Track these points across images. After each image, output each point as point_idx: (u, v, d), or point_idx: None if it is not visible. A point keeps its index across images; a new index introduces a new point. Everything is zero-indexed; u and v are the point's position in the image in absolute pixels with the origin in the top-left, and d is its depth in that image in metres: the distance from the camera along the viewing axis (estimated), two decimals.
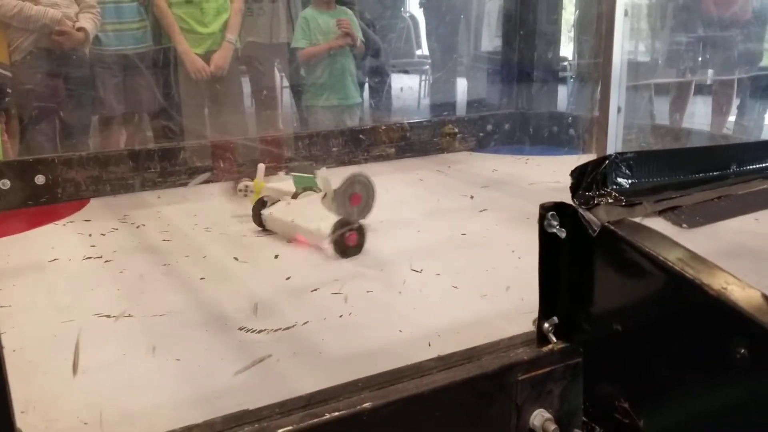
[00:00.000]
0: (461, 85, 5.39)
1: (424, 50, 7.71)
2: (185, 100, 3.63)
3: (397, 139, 2.63)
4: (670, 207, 0.78)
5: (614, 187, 0.78)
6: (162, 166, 2.14)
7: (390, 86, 4.90)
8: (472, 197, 2.03)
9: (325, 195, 1.60)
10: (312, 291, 1.37)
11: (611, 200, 0.77)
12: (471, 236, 1.69)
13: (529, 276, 1.40)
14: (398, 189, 2.18)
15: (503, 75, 3.15)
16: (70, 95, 3.29)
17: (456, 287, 1.37)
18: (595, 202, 0.77)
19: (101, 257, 1.55)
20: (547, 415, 0.79)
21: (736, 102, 5.23)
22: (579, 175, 0.78)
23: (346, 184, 1.53)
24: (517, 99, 2.89)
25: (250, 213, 1.72)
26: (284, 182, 1.80)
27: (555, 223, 0.77)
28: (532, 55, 2.90)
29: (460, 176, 2.36)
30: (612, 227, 0.73)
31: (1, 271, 1.48)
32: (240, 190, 1.80)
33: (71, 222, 1.83)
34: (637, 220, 0.75)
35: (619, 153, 0.77)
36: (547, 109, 2.86)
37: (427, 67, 7.07)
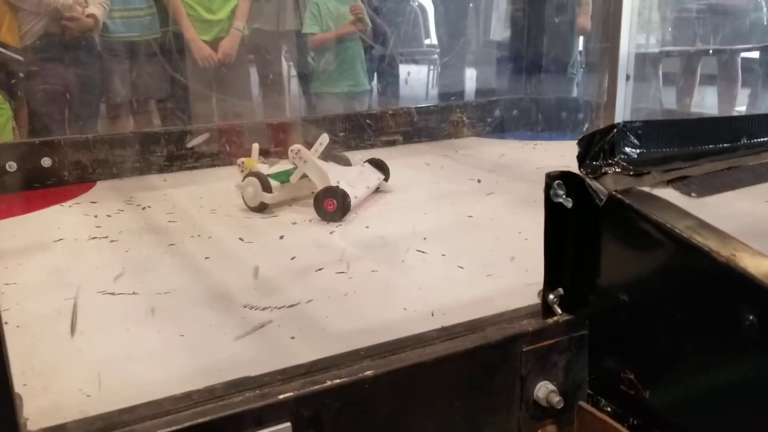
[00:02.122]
0: (470, 73, 5.38)
1: (432, 40, 7.68)
2: (193, 87, 3.63)
3: (405, 124, 2.62)
4: (678, 177, 0.77)
5: (622, 156, 0.77)
6: (168, 150, 2.14)
7: (398, 74, 4.88)
8: (479, 181, 2.02)
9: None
10: (317, 270, 1.36)
11: (619, 170, 0.76)
12: (477, 218, 1.68)
13: (536, 256, 1.40)
14: (405, 173, 2.17)
15: (513, 62, 3.13)
16: (79, 81, 3.30)
17: (461, 267, 1.36)
18: (603, 171, 0.76)
19: (107, 237, 1.55)
20: (551, 387, 0.79)
21: (746, 90, 5.19)
22: (586, 144, 0.77)
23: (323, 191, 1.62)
24: (526, 85, 2.86)
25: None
26: (279, 166, 1.83)
27: (561, 192, 0.75)
28: (542, 42, 2.88)
29: (468, 161, 2.34)
30: (619, 196, 0.72)
31: (6, 251, 1.48)
32: (238, 165, 1.86)
33: (77, 203, 1.83)
34: (646, 189, 0.74)
35: (627, 121, 0.76)
36: (555, 95, 2.83)
37: (436, 56, 7.05)
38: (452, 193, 1.91)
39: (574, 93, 3.46)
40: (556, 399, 0.77)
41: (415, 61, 6.93)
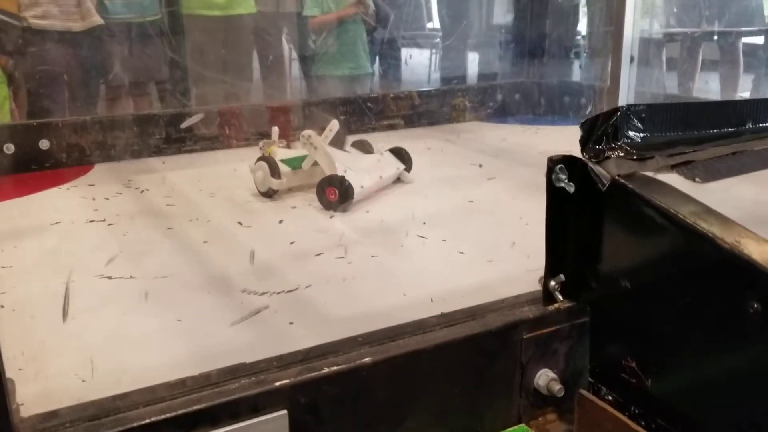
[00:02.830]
0: (472, 57, 5.33)
1: (435, 23, 7.62)
2: (192, 69, 3.60)
3: (406, 108, 2.60)
4: (682, 162, 0.75)
5: (625, 140, 0.76)
6: (167, 132, 2.12)
7: (400, 57, 4.84)
8: (480, 166, 2.00)
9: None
10: (316, 255, 1.35)
11: (622, 154, 0.74)
12: (478, 203, 1.66)
13: (536, 242, 1.39)
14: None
15: (516, 46, 3.10)
16: (77, 62, 3.27)
17: (462, 252, 1.35)
18: (606, 155, 0.74)
19: (104, 220, 1.54)
20: (552, 375, 0.78)
21: (749, 77, 5.14)
22: (589, 128, 0.75)
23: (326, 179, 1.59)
24: (529, 69, 2.84)
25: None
26: (294, 151, 1.80)
27: (563, 176, 0.74)
28: (545, 25, 2.85)
29: (469, 145, 2.33)
30: (622, 181, 0.71)
31: (3, 233, 1.46)
32: (260, 148, 1.84)
33: (75, 186, 1.82)
34: (649, 174, 0.72)
35: (630, 105, 0.74)
36: (558, 79, 2.81)
37: (438, 39, 6.99)
38: (453, 178, 1.90)
39: (576, 77, 3.43)
40: (556, 387, 0.76)
41: (418, 45, 6.88)
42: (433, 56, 6.95)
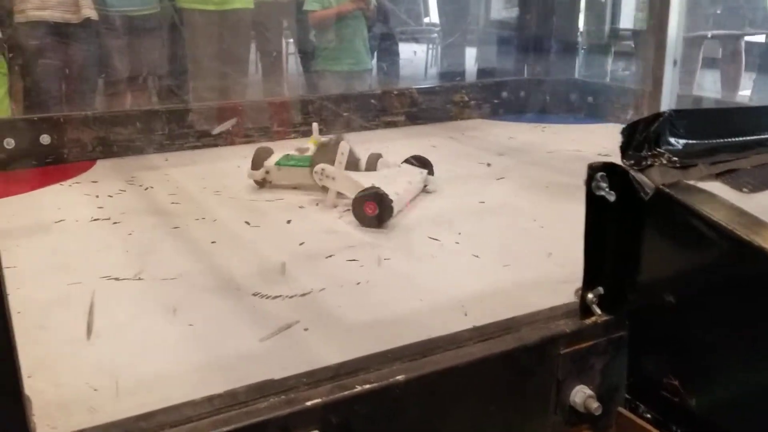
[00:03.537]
0: (471, 53, 5.30)
1: (432, 18, 7.59)
2: (191, 63, 3.56)
3: (409, 105, 2.56)
4: (727, 170, 0.72)
5: (667, 147, 0.72)
6: (170, 128, 2.08)
7: (398, 53, 4.80)
8: (488, 165, 1.97)
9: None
10: (327, 257, 1.31)
11: (665, 161, 0.71)
12: (489, 204, 1.63)
13: (552, 246, 1.36)
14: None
15: (518, 42, 3.07)
16: (76, 56, 3.22)
17: (477, 256, 1.32)
18: (648, 163, 0.71)
19: (109, 219, 1.50)
20: (589, 391, 0.74)
21: (750, 75, 5.12)
22: (629, 134, 0.72)
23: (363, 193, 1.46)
24: (534, 66, 2.80)
25: None
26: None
27: (604, 185, 0.71)
28: (550, 22, 2.82)
29: (475, 143, 2.29)
30: (668, 190, 0.68)
31: (6, 232, 1.42)
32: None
33: (77, 183, 1.77)
34: (694, 182, 0.69)
35: (673, 110, 0.71)
36: (564, 77, 2.78)
37: (435, 35, 6.97)
38: (462, 177, 1.86)
39: (576, 74, 3.40)
40: (594, 405, 0.73)
41: (415, 40, 6.85)
42: (431, 51, 6.93)
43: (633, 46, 6.06)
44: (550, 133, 2.42)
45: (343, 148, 1.57)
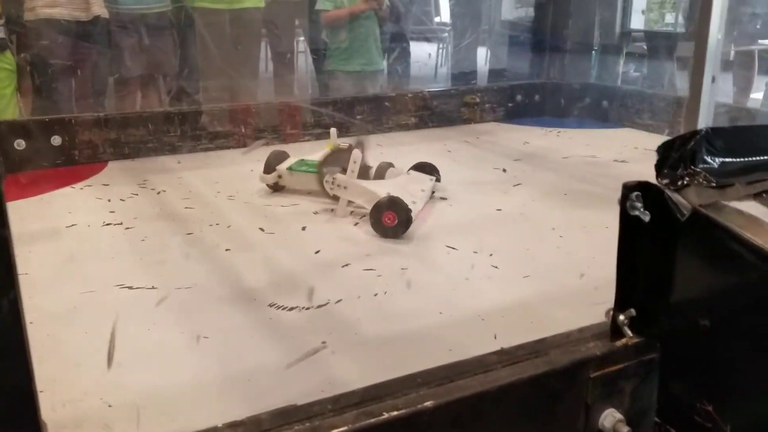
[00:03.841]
0: (482, 53, 5.27)
1: (442, 18, 7.56)
2: (203, 62, 3.54)
3: (422, 107, 2.54)
4: (765, 190, 0.70)
5: (703, 166, 0.70)
6: (182, 130, 2.06)
7: (410, 53, 4.78)
8: (504, 170, 1.95)
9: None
10: (343, 266, 1.29)
11: (701, 180, 0.69)
12: (507, 212, 1.61)
13: (573, 257, 1.34)
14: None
15: (533, 44, 3.04)
16: (86, 55, 3.21)
17: (496, 267, 1.30)
18: (684, 182, 0.69)
19: (121, 224, 1.48)
20: (618, 415, 0.72)
21: (763, 78, 5.08)
22: (665, 152, 0.69)
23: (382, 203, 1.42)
24: (549, 69, 2.77)
25: None
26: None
27: (639, 205, 0.68)
28: (566, 24, 2.79)
29: (490, 148, 2.27)
30: (706, 212, 0.65)
31: (17, 237, 1.39)
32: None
33: (89, 186, 1.76)
34: (732, 204, 0.67)
35: (711, 128, 0.69)
36: (578, 80, 2.75)
37: (446, 35, 6.94)
38: (478, 183, 1.84)
39: (592, 78, 3.37)
40: (624, 430, 0.71)
41: (426, 40, 6.82)
42: (441, 51, 6.90)
43: (645, 47, 6.02)
44: (565, 137, 2.39)
45: (356, 156, 1.54)
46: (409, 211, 1.41)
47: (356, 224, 1.50)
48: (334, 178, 1.53)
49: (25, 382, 0.47)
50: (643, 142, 2.25)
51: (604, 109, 2.57)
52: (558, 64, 2.77)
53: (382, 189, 1.48)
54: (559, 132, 2.45)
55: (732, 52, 5.14)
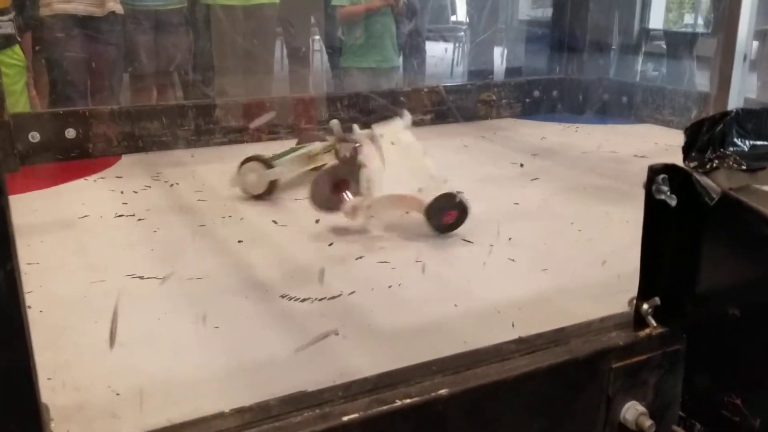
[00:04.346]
0: (497, 52, 5.25)
1: (458, 16, 7.53)
2: (217, 58, 3.54)
3: (439, 103, 2.51)
4: None
5: (733, 148, 0.67)
6: (196, 124, 2.05)
7: (425, 51, 4.76)
8: (522, 165, 1.92)
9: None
10: (357, 259, 1.27)
11: (731, 163, 0.66)
12: (524, 206, 1.58)
13: (592, 251, 1.31)
14: (443, 155, 2.07)
15: (550, 41, 3.00)
16: (101, 51, 3.21)
17: (512, 260, 1.27)
18: (713, 165, 0.66)
19: (134, 215, 1.47)
20: (641, 408, 0.69)
21: None
22: (693, 134, 0.67)
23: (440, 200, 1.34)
24: (566, 65, 2.74)
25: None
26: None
27: (665, 188, 0.65)
28: (584, 21, 2.75)
29: (507, 143, 2.24)
30: (736, 195, 0.62)
31: (30, 227, 1.40)
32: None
33: (102, 178, 1.75)
34: (764, 187, 0.64)
35: (743, 109, 0.66)
36: (596, 76, 2.71)
37: (462, 33, 6.91)
38: (495, 178, 1.81)
39: (611, 73, 3.32)
40: (647, 423, 0.68)
41: (443, 38, 6.80)
42: (457, 49, 6.87)
43: (664, 46, 5.96)
44: (583, 133, 2.35)
45: (367, 175, 1.37)
46: (460, 199, 1.35)
47: (371, 216, 1.47)
48: (354, 207, 1.35)
49: (23, 363, 0.45)
50: (664, 137, 2.22)
51: (624, 105, 2.54)
52: (576, 62, 2.73)
53: (405, 187, 1.38)
54: (577, 128, 2.42)
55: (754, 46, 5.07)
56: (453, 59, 6.79)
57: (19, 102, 2.92)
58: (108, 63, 3.20)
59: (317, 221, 1.46)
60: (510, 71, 4.73)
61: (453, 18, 7.64)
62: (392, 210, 1.43)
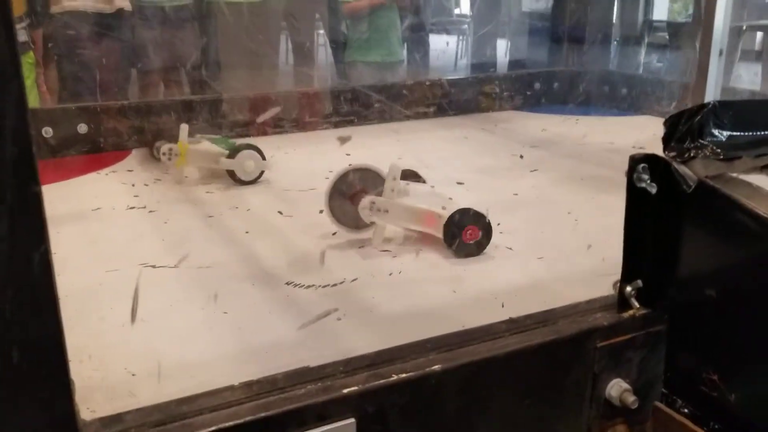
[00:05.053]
0: (501, 44, 5.26)
1: (462, 9, 7.54)
2: (223, 54, 3.58)
3: (440, 96, 2.55)
4: None
5: (710, 139, 0.71)
6: (204, 118, 2.09)
7: (429, 44, 4.78)
8: (521, 156, 1.96)
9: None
10: (359, 248, 1.32)
11: (708, 153, 0.70)
12: (523, 196, 1.62)
13: (587, 239, 1.35)
14: (443, 147, 2.11)
15: (551, 33, 3.04)
16: (109, 47, 3.26)
17: (510, 248, 1.31)
18: (691, 154, 0.70)
19: (145, 207, 1.52)
20: (625, 385, 0.74)
21: None
22: (672, 125, 0.71)
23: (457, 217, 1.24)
24: (567, 58, 2.77)
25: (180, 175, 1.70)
26: (205, 145, 1.75)
27: (646, 177, 0.70)
28: (585, 13, 2.78)
29: (508, 135, 2.28)
30: (712, 183, 0.66)
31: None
32: (164, 154, 1.69)
33: (114, 172, 1.80)
34: (738, 175, 0.68)
35: (719, 101, 0.70)
36: (597, 68, 2.74)
37: (465, 26, 6.92)
38: (494, 169, 1.85)
39: (610, 66, 3.35)
40: (630, 399, 0.72)
41: (446, 31, 6.81)
42: (461, 42, 6.89)
43: (667, 37, 5.96)
44: (583, 125, 2.39)
45: (395, 171, 1.28)
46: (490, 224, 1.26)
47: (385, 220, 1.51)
48: (372, 203, 1.27)
49: (55, 336, 0.50)
50: (662, 129, 2.25)
51: (624, 97, 2.57)
52: (577, 54, 2.77)
53: (429, 201, 1.31)
54: (577, 119, 2.45)
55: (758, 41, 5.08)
56: (456, 52, 6.80)
57: (29, 97, 2.97)
58: (116, 59, 3.25)
59: (321, 211, 1.50)
60: (514, 64, 4.75)
61: (457, 11, 7.64)
62: (407, 223, 1.32)
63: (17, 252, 0.45)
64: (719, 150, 0.71)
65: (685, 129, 0.71)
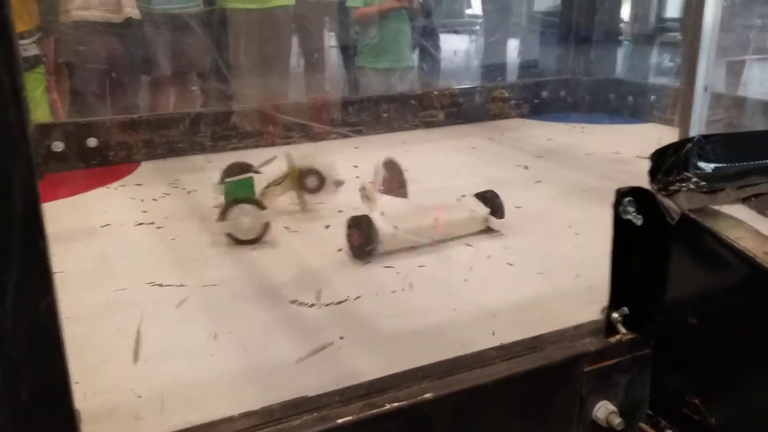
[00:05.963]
0: (513, 47, 5.26)
1: (473, 10, 7.53)
2: (234, 62, 3.61)
3: (448, 105, 2.57)
4: (754, 194, 0.73)
5: (696, 171, 0.73)
6: (213, 130, 2.13)
7: (440, 48, 4.80)
8: (526, 167, 1.98)
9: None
10: (364, 264, 1.34)
11: (692, 186, 0.72)
12: (526, 209, 1.64)
13: (588, 254, 1.37)
14: (451, 157, 2.14)
15: (560, 39, 3.05)
16: (119, 55, 3.30)
17: (511, 264, 1.34)
18: (676, 188, 0.72)
19: (153, 223, 1.55)
20: (612, 407, 0.76)
21: None
22: (658, 158, 0.73)
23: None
24: (575, 64, 2.78)
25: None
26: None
27: (631, 209, 0.72)
28: (592, 17, 2.79)
29: (514, 144, 2.30)
30: (693, 216, 0.69)
31: (54, 236, 1.46)
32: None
33: (122, 186, 1.83)
34: (720, 208, 0.70)
35: (703, 135, 0.72)
36: (605, 76, 2.76)
37: (478, 27, 6.92)
38: (499, 180, 1.87)
39: (618, 71, 3.36)
40: (616, 421, 0.75)
41: (456, 32, 6.82)
42: (472, 44, 6.88)
43: (679, 36, 5.93)
44: (589, 133, 2.41)
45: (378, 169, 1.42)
46: (375, 234, 1.33)
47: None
48: (363, 186, 1.43)
49: (61, 375, 0.53)
50: (668, 137, 2.23)
51: (630, 105, 2.58)
52: (584, 58, 2.78)
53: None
54: (583, 128, 2.47)
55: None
56: (468, 55, 6.81)
57: (39, 107, 3.02)
58: (126, 68, 3.29)
59: (327, 227, 1.53)
60: (525, 67, 4.75)
61: (468, 12, 7.64)
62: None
63: (25, 301, 0.48)
64: (703, 182, 0.73)
65: (671, 162, 0.73)
